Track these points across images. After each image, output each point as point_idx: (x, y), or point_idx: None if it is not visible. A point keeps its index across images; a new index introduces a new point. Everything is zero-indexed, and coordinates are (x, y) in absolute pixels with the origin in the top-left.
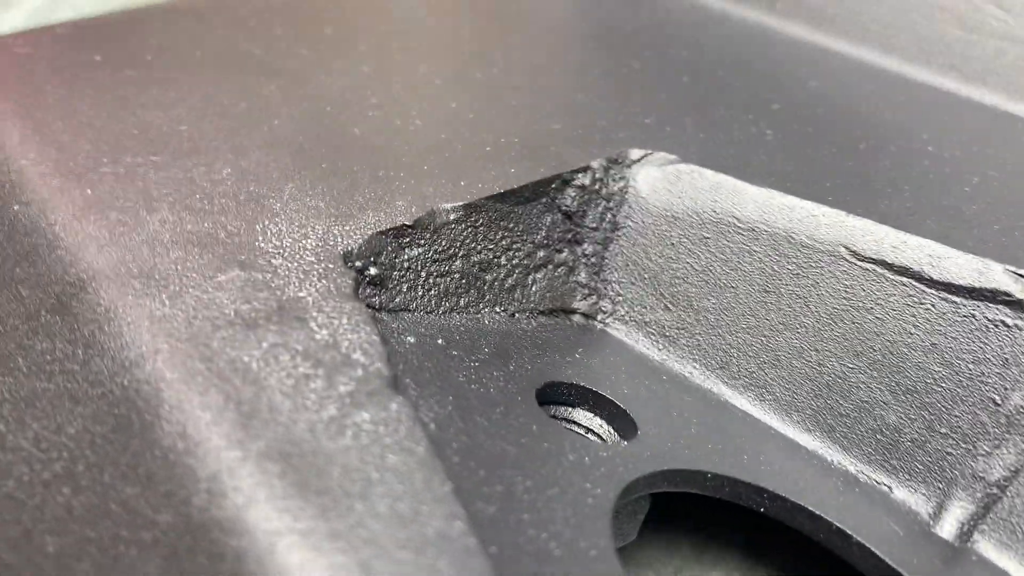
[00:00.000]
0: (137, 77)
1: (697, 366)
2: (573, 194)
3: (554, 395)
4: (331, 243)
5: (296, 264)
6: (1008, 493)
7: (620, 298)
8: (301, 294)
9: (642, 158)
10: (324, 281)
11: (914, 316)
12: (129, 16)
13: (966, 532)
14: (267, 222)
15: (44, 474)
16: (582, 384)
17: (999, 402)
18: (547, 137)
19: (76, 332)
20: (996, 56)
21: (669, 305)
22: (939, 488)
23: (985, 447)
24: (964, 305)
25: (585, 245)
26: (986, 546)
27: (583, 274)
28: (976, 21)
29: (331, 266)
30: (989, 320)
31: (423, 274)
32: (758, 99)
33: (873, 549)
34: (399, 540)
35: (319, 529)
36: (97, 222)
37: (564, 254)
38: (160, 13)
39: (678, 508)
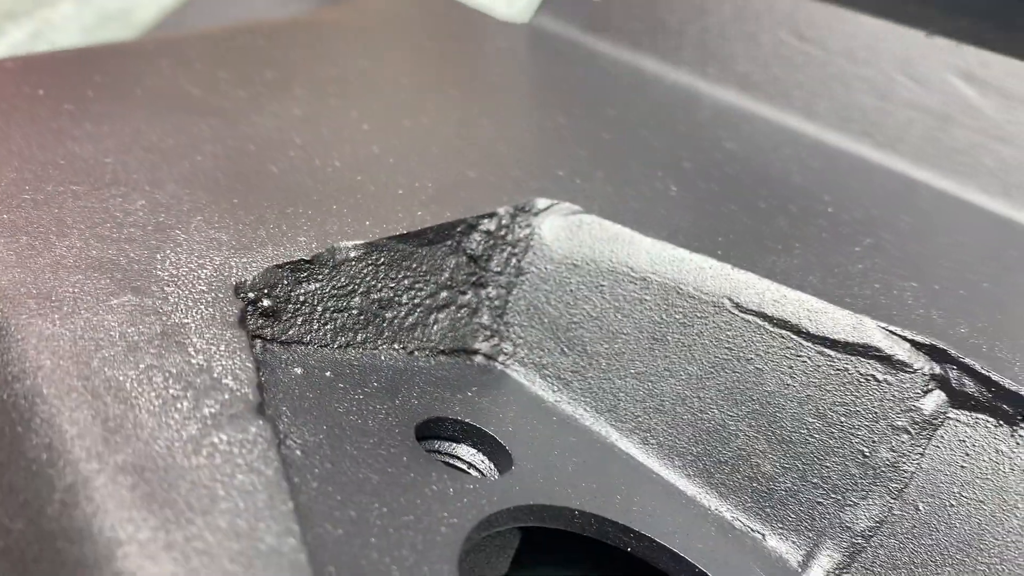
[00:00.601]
0: (74, 111)
1: (588, 408)
2: (479, 239)
3: (438, 430)
4: (226, 274)
5: (187, 292)
6: (872, 543)
7: (521, 340)
8: (186, 320)
9: (548, 207)
10: (211, 309)
11: (791, 368)
12: (79, 54)
13: None
14: (168, 251)
15: None
16: (466, 420)
17: (867, 454)
18: (461, 183)
19: None
20: (907, 124)
21: (566, 349)
22: (809, 537)
23: (853, 498)
24: (838, 359)
25: (489, 288)
26: None
27: (486, 316)
28: (889, 90)
29: (220, 296)
30: (861, 374)
31: (319, 308)
32: (671, 157)
33: None
34: (231, 553)
35: (157, 539)
36: (6, 245)
37: (468, 296)
38: (110, 52)
39: (571, 551)
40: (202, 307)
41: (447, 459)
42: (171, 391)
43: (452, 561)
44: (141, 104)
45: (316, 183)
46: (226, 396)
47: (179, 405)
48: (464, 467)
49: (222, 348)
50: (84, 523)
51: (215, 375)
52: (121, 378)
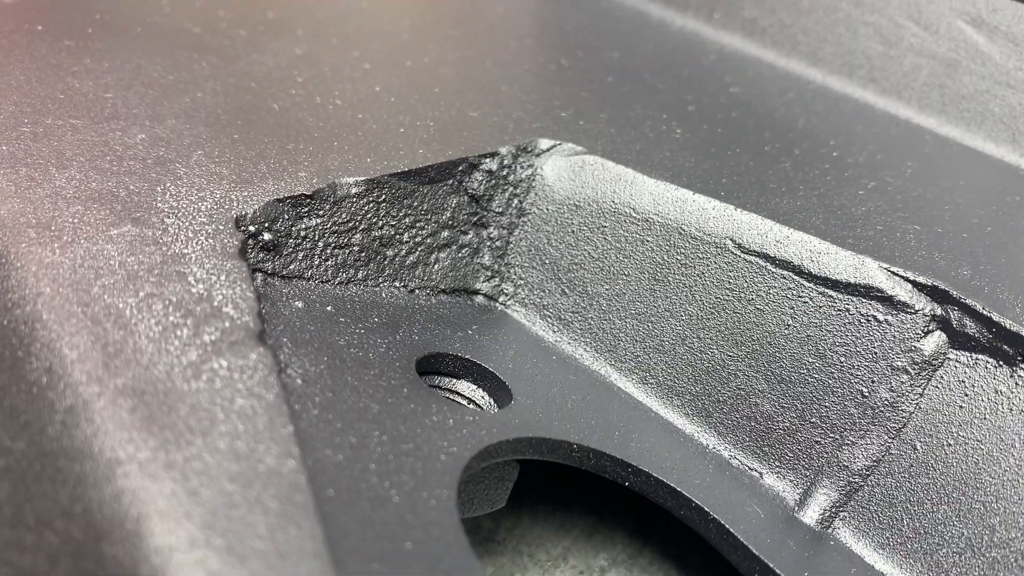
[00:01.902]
0: (74, 47)
1: (588, 349)
2: (481, 178)
3: (438, 365)
4: (226, 207)
5: (187, 224)
6: (868, 482)
7: (522, 281)
8: (186, 251)
9: (551, 148)
10: (211, 241)
11: (792, 308)
12: None
13: (827, 519)
14: (168, 184)
15: None
16: (467, 356)
17: (866, 394)
18: (463, 123)
19: None
20: (912, 71)
21: (567, 290)
22: (806, 476)
23: (851, 437)
24: (840, 299)
25: (491, 229)
26: (844, 532)
27: (487, 257)
28: (896, 37)
29: (221, 228)
30: (862, 315)
31: (320, 244)
32: (676, 100)
33: (728, 527)
34: (231, 473)
35: (157, 459)
36: (6, 176)
37: (469, 236)
38: None
39: (572, 491)
40: (202, 238)
41: (447, 394)
42: (171, 318)
43: (451, 487)
44: (141, 41)
45: (317, 120)
46: (226, 324)
47: (179, 332)
48: (464, 402)
49: (222, 278)
50: (84, 443)
51: (215, 304)
52: (121, 305)
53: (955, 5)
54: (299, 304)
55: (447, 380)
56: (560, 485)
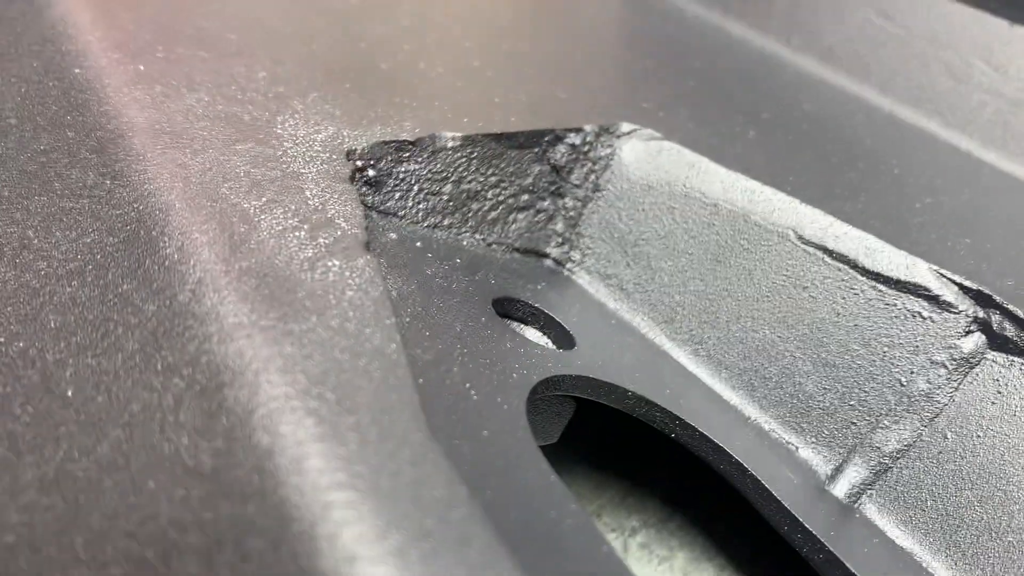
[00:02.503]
0: None
1: (646, 318)
2: (563, 151)
3: (510, 309)
4: (338, 141)
5: (304, 150)
6: (898, 464)
7: (589, 251)
8: (303, 171)
9: (631, 132)
10: (325, 166)
11: (843, 299)
12: None
13: (856, 494)
14: (287, 116)
15: (59, 270)
16: (537, 305)
17: (904, 383)
18: (552, 102)
19: (108, 168)
20: (978, 108)
21: (631, 263)
22: (840, 453)
23: (886, 422)
24: (889, 295)
25: (567, 199)
26: (870, 508)
27: (560, 224)
28: (965, 74)
29: (334, 157)
30: (908, 310)
31: (415, 188)
32: (751, 107)
33: (766, 485)
34: (342, 345)
35: (277, 328)
36: (144, 90)
37: (546, 202)
38: None
39: (610, 456)
40: (317, 163)
41: None
42: (290, 222)
43: (522, 398)
44: None
45: (421, 82)
46: (338, 232)
47: (297, 234)
48: None
49: (335, 196)
50: (211, 309)
51: (329, 215)
52: (245, 206)
53: None
54: (393, 236)
55: (517, 324)
56: (600, 450)
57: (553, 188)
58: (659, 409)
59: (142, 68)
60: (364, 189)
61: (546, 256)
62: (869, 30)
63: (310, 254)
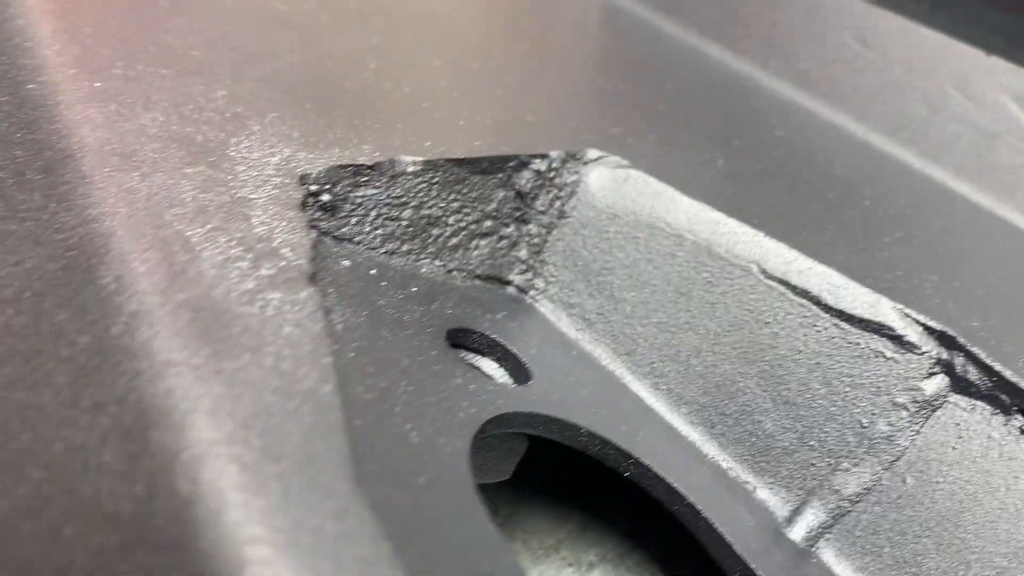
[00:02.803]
0: (170, 7)
1: (607, 349)
2: (529, 176)
3: (466, 340)
4: (293, 164)
5: (256, 173)
6: (857, 508)
7: (553, 278)
8: (252, 196)
9: (598, 158)
10: (276, 192)
11: (806, 335)
12: None
13: (813, 537)
14: (242, 137)
15: None
16: (493, 336)
17: (865, 425)
18: (519, 125)
19: (54, 190)
20: (953, 138)
21: (594, 292)
22: (798, 495)
23: (846, 464)
24: (852, 333)
25: (531, 225)
26: (827, 552)
27: (524, 251)
28: (942, 104)
29: (287, 182)
30: (871, 350)
31: (373, 213)
32: (723, 133)
33: (716, 527)
34: (273, 386)
35: (209, 365)
36: (98, 108)
37: (510, 229)
38: None
39: (570, 490)
40: (268, 188)
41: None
42: (233, 251)
43: (466, 440)
44: (232, 11)
45: (385, 103)
46: (282, 263)
47: (239, 264)
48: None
49: (283, 224)
50: (144, 344)
51: (274, 245)
52: (189, 233)
53: (1003, 81)
54: (347, 263)
55: (472, 356)
56: (560, 483)
57: (517, 214)
58: (613, 447)
59: (98, 85)
60: (318, 214)
61: (509, 283)
62: (847, 55)
63: (250, 286)
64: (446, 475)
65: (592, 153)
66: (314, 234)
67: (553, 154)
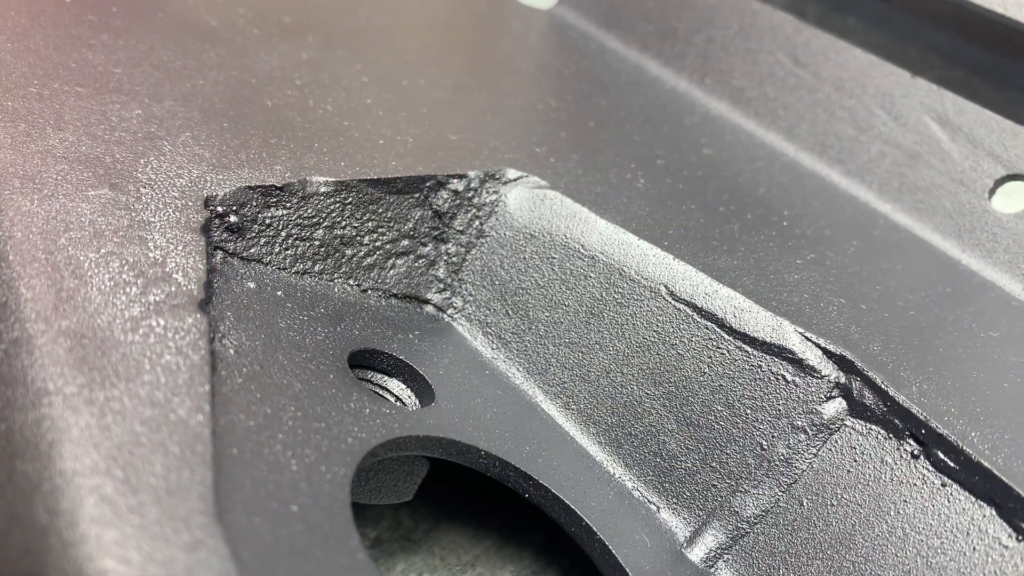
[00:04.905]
0: (95, 22)
1: (520, 369)
2: (447, 196)
3: (372, 361)
4: (199, 186)
5: (160, 196)
6: (755, 530)
7: (471, 298)
8: (152, 220)
9: (517, 178)
10: (177, 214)
11: (710, 358)
12: None
13: (712, 558)
14: (152, 158)
15: None
16: (399, 356)
17: (765, 447)
18: (441, 144)
19: None
20: (877, 158)
21: (510, 312)
22: (699, 516)
23: (746, 486)
24: (754, 356)
25: (449, 244)
26: (725, 574)
27: (442, 270)
28: (868, 123)
29: (190, 204)
30: (772, 373)
31: (283, 233)
32: (648, 153)
33: (611, 549)
34: (143, 417)
35: (81, 395)
36: (6, 128)
37: (428, 248)
38: None
39: (492, 506)
40: (170, 211)
41: (377, 389)
42: (124, 276)
43: (350, 467)
44: (160, 26)
45: (305, 121)
46: (172, 288)
47: (128, 289)
48: (391, 399)
49: (179, 248)
50: (20, 372)
51: (167, 269)
52: (81, 258)
53: (925, 101)
54: (252, 285)
55: (380, 376)
56: (483, 499)
57: (435, 233)
58: (512, 469)
59: (10, 104)
60: (225, 235)
61: (426, 302)
62: (779, 73)
63: (136, 312)
64: (322, 502)
65: (511, 173)
66: (220, 256)
67: (472, 174)
